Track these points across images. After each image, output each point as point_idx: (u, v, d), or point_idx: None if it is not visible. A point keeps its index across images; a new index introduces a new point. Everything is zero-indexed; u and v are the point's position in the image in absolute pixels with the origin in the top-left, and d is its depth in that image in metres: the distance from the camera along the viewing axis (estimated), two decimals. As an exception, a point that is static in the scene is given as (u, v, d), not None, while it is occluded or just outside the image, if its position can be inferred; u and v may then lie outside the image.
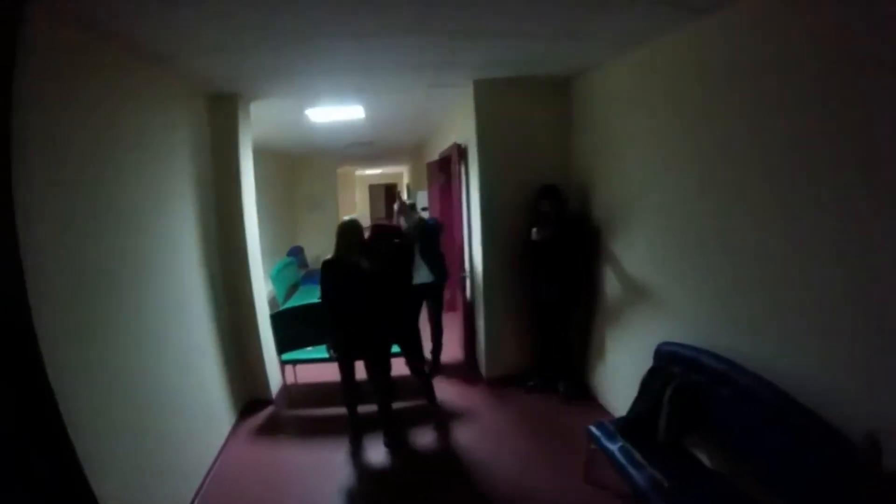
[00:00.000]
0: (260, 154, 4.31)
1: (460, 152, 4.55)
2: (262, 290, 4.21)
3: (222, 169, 3.83)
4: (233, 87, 3.68)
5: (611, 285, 3.60)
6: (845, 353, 1.78)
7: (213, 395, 3.50)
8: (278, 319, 4.05)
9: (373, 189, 17.63)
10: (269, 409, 4.11)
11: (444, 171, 5.88)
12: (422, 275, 4.20)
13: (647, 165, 3.05)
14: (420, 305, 4.40)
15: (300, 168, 10.23)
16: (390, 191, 18.37)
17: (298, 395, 4.38)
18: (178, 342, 3.00)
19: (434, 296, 4.46)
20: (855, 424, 1.70)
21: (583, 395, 4.00)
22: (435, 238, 4.34)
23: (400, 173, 15.93)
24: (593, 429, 2.76)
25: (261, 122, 4.81)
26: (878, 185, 1.63)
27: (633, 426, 2.60)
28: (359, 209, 16.02)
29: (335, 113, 4.94)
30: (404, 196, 9.95)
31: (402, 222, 4.26)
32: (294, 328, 4.03)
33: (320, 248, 9.50)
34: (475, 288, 4.52)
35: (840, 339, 1.79)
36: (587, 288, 3.88)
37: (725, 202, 2.37)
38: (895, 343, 1.60)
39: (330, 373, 4.75)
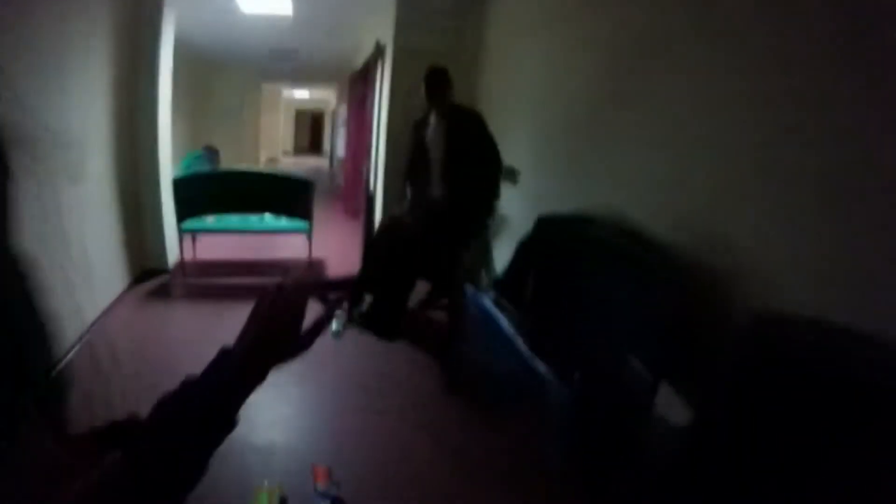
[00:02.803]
0: (176, 50, 4.27)
1: (379, 51, 4.73)
2: (167, 152, 4.21)
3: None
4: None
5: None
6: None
7: (102, 249, 3.49)
8: (181, 185, 4.10)
9: (300, 115, 17.09)
10: (164, 277, 4.21)
11: (363, 80, 6.02)
12: None
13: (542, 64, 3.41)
14: None
15: (219, 76, 9.93)
16: (317, 122, 17.99)
17: (196, 269, 4.49)
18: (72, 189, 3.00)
19: None
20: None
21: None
22: None
23: (327, 99, 15.56)
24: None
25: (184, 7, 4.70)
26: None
27: (506, 285, 2.95)
28: (282, 137, 15.62)
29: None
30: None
31: None
32: (197, 195, 4.12)
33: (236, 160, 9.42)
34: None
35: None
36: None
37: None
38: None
39: (231, 250, 5.01)
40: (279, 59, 8.17)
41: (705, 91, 2.02)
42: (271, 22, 5.65)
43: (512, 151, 3.57)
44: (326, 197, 8.68)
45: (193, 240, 4.53)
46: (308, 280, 0.69)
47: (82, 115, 3.15)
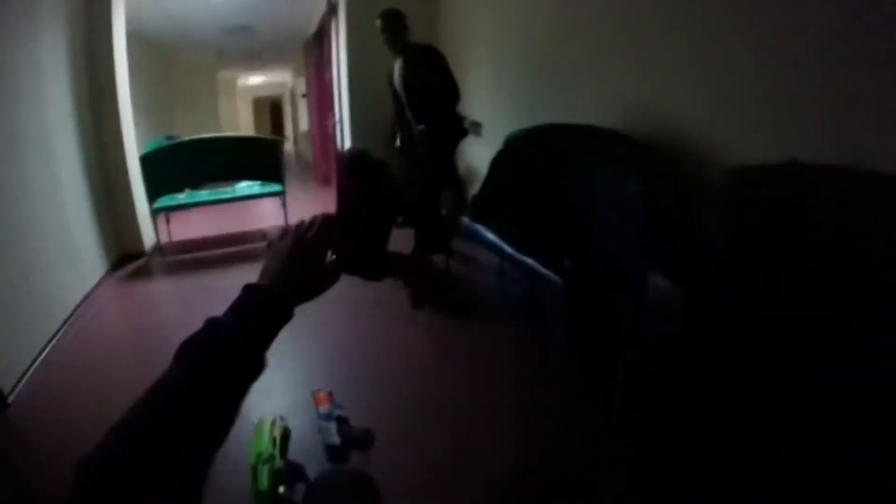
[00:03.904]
0: (133, 38, 4.13)
1: (332, 7, 4.66)
2: (131, 137, 4.10)
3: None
4: None
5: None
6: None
7: (80, 237, 3.42)
8: (149, 161, 3.99)
9: (257, 103, 16.76)
10: (142, 260, 4.13)
11: (318, 43, 5.93)
12: None
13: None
14: None
15: (176, 63, 9.64)
16: (276, 108, 17.67)
17: (174, 249, 4.40)
18: (41, 177, 2.96)
19: None
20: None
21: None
22: None
23: (284, 83, 15.20)
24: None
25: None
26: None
27: (484, 200, 2.96)
28: (244, 125, 15.36)
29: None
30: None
31: None
32: (166, 171, 4.03)
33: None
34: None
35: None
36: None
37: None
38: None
39: (207, 225, 4.92)
40: (234, 38, 7.94)
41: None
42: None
43: (472, 86, 3.64)
44: (296, 173, 8.60)
45: (167, 220, 4.44)
46: (329, 222, 0.67)
47: (39, 104, 3.05)
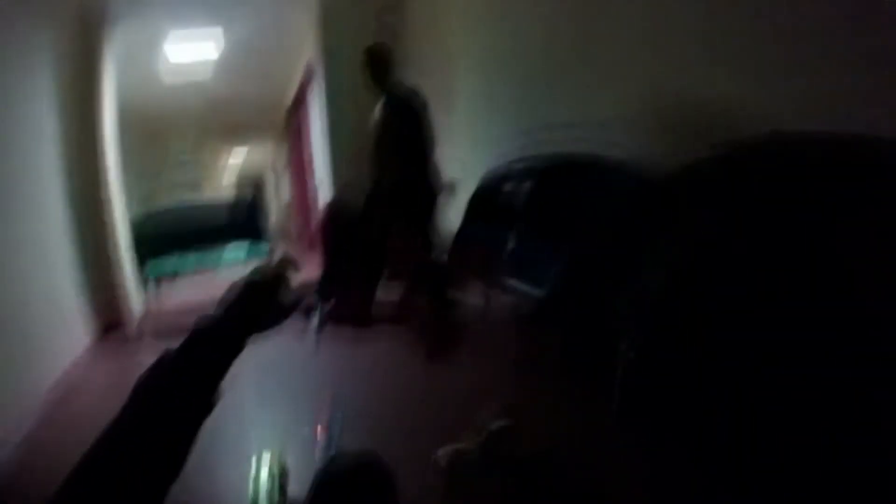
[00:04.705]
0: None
1: (309, 73, 4.90)
2: (119, 203, 4.13)
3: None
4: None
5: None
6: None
7: (58, 307, 3.30)
8: (137, 228, 4.04)
9: (240, 179, 17.01)
10: (130, 328, 4.02)
11: (296, 108, 6.14)
12: None
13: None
14: None
15: (155, 146, 9.85)
16: (259, 184, 17.94)
17: (162, 317, 4.16)
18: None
19: None
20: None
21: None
22: None
23: (266, 159, 15.49)
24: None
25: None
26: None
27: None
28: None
29: (190, 48, 5.03)
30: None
31: None
32: (154, 236, 4.11)
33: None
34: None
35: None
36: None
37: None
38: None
39: (196, 293, 4.80)
40: (212, 114, 8.22)
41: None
42: (201, 72, 5.74)
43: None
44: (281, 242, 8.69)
45: (158, 285, 4.42)
46: (287, 260, 0.69)
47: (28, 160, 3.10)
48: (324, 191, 5.21)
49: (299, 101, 6.10)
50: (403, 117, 3.04)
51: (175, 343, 0.56)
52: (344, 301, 3.40)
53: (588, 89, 2.59)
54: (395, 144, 3.05)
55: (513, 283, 2.51)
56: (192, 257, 4.66)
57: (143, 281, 4.22)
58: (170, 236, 4.14)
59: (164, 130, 9.56)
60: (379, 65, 3.08)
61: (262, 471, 1.71)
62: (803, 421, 1.28)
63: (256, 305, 0.61)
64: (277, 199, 13.12)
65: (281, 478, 1.72)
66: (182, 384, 0.53)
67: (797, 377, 1.29)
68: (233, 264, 4.77)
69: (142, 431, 0.50)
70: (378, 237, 3.21)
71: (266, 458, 1.79)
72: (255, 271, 0.65)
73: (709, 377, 1.49)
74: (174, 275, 4.47)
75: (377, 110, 3.19)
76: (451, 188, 3.66)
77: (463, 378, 2.51)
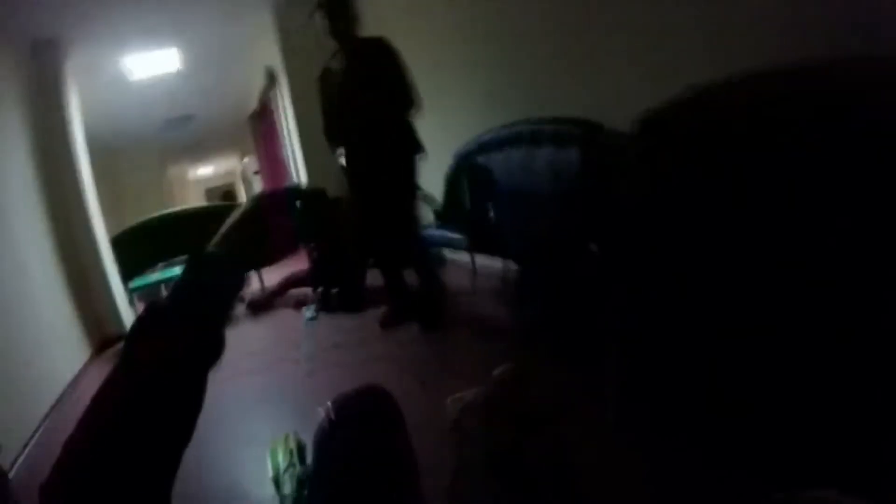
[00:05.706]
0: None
1: (271, 78, 4.94)
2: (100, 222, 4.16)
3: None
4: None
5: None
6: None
7: (51, 326, 3.32)
8: (120, 243, 4.07)
9: (210, 193, 16.87)
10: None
11: (261, 112, 6.12)
12: None
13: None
14: None
15: (120, 165, 9.71)
16: (229, 194, 17.77)
17: None
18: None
19: None
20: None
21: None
22: None
23: (233, 169, 15.40)
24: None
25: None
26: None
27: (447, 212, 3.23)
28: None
29: (150, 63, 5.02)
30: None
31: None
32: (139, 250, 4.14)
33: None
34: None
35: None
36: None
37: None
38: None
39: None
40: (175, 129, 8.15)
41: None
42: (162, 87, 5.72)
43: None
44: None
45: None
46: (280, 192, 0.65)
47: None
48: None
49: (264, 106, 6.12)
50: (376, 55, 2.58)
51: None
52: (336, 289, 3.56)
53: (586, 86, 2.55)
54: (369, 84, 2.55)
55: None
56: (176, 267, 4.70)
57: (130, 298, 4.24)
58: (150, 249, 4.14)
59: (126, 148, 9.45)
60: (338, 14, 2.54)
61: (279, 448, 1.83)
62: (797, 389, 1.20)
63: (249, 238, 0.57)
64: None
65: (300, 452, 1.83)
66: (178, 329, 0.46)
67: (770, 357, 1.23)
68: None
69: (141, 390, 0.43)
70: (363, 223, 2.91)
71: (282, 438, 1.89)
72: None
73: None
74: (158, 286, 4.50)
75: (333, 63, 2.68)
76: (433, 202, 3.62)
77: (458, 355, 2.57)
